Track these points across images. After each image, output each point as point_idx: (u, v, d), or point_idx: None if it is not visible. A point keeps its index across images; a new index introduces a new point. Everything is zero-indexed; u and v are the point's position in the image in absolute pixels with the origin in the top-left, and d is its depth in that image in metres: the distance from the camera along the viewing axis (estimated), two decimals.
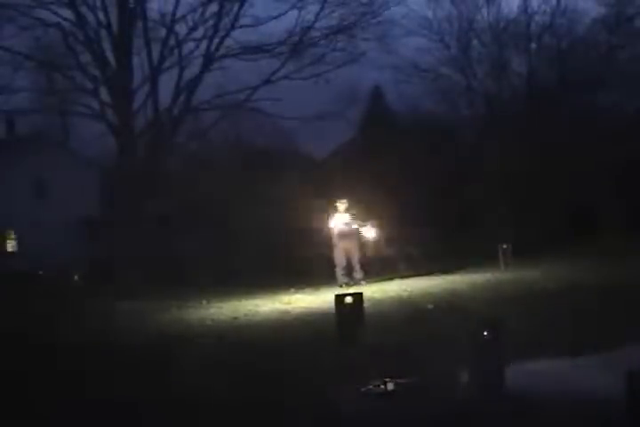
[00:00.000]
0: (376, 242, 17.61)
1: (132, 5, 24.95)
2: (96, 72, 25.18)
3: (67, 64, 25.71)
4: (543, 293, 12.11)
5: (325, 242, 16.94)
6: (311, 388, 7.04)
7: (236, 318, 12.45)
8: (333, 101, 25.67)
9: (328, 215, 16.66)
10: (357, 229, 16.59)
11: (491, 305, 11.05)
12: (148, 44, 25.28)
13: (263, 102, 26.11)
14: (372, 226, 16.89)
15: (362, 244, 17.01)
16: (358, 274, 16.51)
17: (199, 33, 25.58)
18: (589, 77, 28.63)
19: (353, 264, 16.51)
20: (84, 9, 24.70)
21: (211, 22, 25.47)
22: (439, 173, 26.32)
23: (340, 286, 15.87)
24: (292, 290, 15.95)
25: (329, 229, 16.57)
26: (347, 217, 16.55)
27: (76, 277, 19.05)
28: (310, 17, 25.77)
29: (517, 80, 30.03)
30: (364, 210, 17.06)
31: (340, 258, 16.46)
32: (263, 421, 6.30)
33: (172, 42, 25.46)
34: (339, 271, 16.47)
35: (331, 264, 16.69)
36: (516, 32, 29.57)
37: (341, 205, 16.62)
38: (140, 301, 15.83)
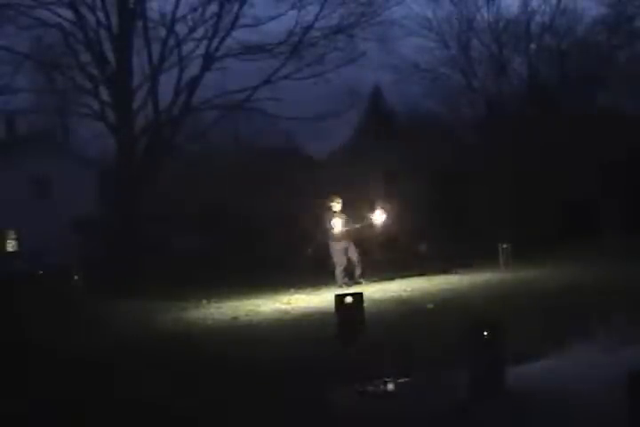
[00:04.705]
0: (386, 235, 17.50)
1: (131, 5, 24.96)
2: (96, 72, 25.19)
3: (67, 64, 25.71)
4: (543, 292, 12.11)
5: (326, 242, 16.90)
6: (311, 388, 7.04)
7: (236, 317, 12.45)
8: (333, 101, 25.66)
9: (329, 215, 16.62)
10: (360, 226, 16.59)
11: (491, 305, 11.05)
12: (148, 44, 25.28)
13: (263, 102, 26.12)
14: (383, 213, 16.81)
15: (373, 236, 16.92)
16: (358, 270, 16.46)
17: (199, 33, 25.60)
18: (589, 77, 28.63)
19: (353, 264, 16.49)
20: (84, 9, 24.70)
21: (211, 22, 25.49)
22: (439, 172, 26.32)
23: (340, 286, 15.85)
24: (292, 290, 15.94)
25: (330, 228, 16.53)
26: (346, 216, 16.54)
27: (76, 277, 18.99)
28: (310, 17, 25.81)
29: (517, 80, 30.05)
30: (364, 209, 17.05)
31: (340, 258, 16.43)
32: (264, 420, 6.30)
33: (171, 42, 25.46)
34: (337, 271, 16.45)
35: (331, 264, 16.67)
36: (516, 32, 29.58)
37: (337, 204, 16.58)
38: (141, 300, 15.83)
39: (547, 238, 21.46)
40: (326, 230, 16.56)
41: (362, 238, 16.99)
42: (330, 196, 16.86)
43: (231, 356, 9.01)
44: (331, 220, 16.48)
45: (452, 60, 29.94)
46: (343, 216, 16.56)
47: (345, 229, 16.39)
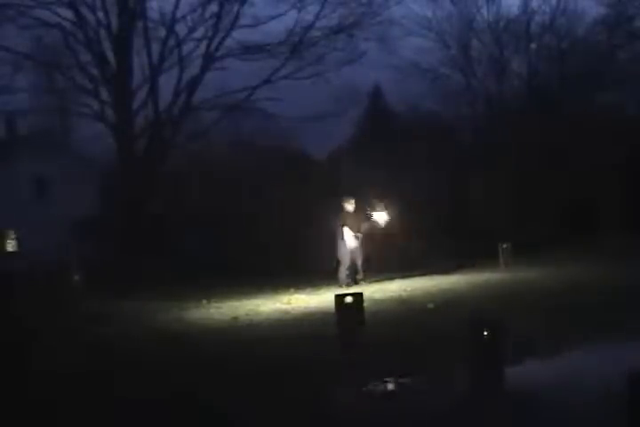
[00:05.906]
0: (388, 233, 17.51)
1: (131, 5, 24.98)
2: (96, 72, 25.22)
3: (67, 64, 25.74)
4: (543, 292, 12.12)
5: (329, 241, 16.88)
6: (311, 388, 7.04)
7: (236, 317, 12.44)
8: (333, 101, 25.68)
9: (342, 215, 16.58)
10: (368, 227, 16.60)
11: (491, 305, 11.05)
12: (148, 44, 25.32)
13: (263, 102, 26.16)
14: (385, 210, 16.83)
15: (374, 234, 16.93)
16: (360, 275, 16.49)
17: (199, 33, 25.66)
18: (589, 77, 28.66)
19: (357, 264, 16.49)
20: (84, 9, 24.76)
21: (211, 22, 25.53)
22: (439, 172, 26.31)
23: (341, 286, 15.85)
24: (292, 290, 15.94)
25: (334, 227, 16.52)
26: (359, 214, 16.56)
27: (75, 278, 18.99)
28: (310, 17, 25.85)
29: (517, 80, 30.07)
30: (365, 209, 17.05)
31: (345, 258, 16.41)
32: (264, 420, 6.30)
33: (171, 42, 25.51)
34: (341, 271, 16.45)
35: (332, 264, 16.68)
36: (516, 32, 29.60)
37: (351, 205, 16.55)
38: (141, 300, 15.82)
39: (547, 238, 21.47)
40: (338, 230, 16.54)
41: (367, 238, 16.98)
42: (344, 197, 16.84)
43: (231, 356, 9.01)
44: (343, 220, 16.46)
45: (451, 60, 29.98)
46: (356, 217, 16.54)
47: (357, 229, 16.40)
